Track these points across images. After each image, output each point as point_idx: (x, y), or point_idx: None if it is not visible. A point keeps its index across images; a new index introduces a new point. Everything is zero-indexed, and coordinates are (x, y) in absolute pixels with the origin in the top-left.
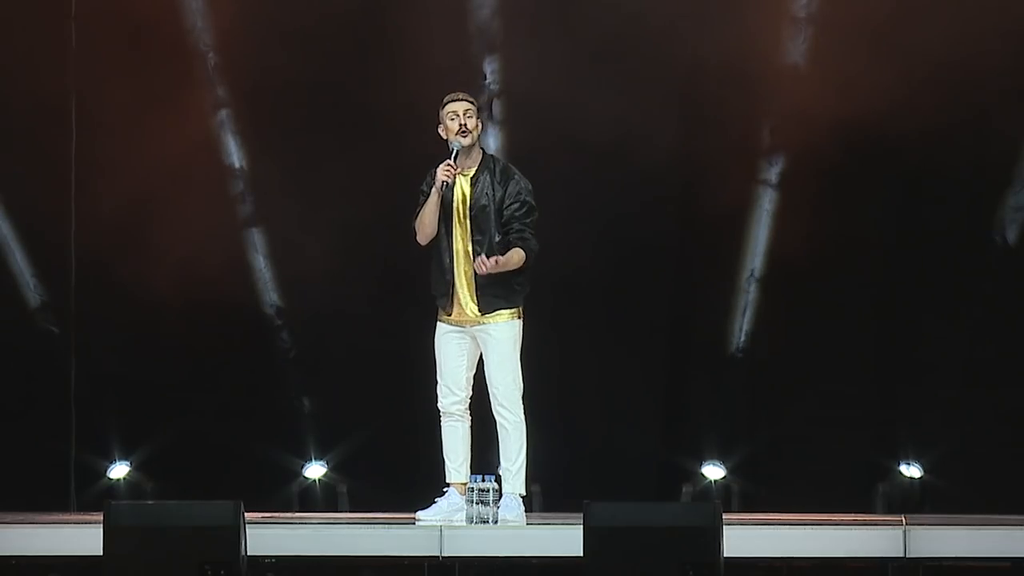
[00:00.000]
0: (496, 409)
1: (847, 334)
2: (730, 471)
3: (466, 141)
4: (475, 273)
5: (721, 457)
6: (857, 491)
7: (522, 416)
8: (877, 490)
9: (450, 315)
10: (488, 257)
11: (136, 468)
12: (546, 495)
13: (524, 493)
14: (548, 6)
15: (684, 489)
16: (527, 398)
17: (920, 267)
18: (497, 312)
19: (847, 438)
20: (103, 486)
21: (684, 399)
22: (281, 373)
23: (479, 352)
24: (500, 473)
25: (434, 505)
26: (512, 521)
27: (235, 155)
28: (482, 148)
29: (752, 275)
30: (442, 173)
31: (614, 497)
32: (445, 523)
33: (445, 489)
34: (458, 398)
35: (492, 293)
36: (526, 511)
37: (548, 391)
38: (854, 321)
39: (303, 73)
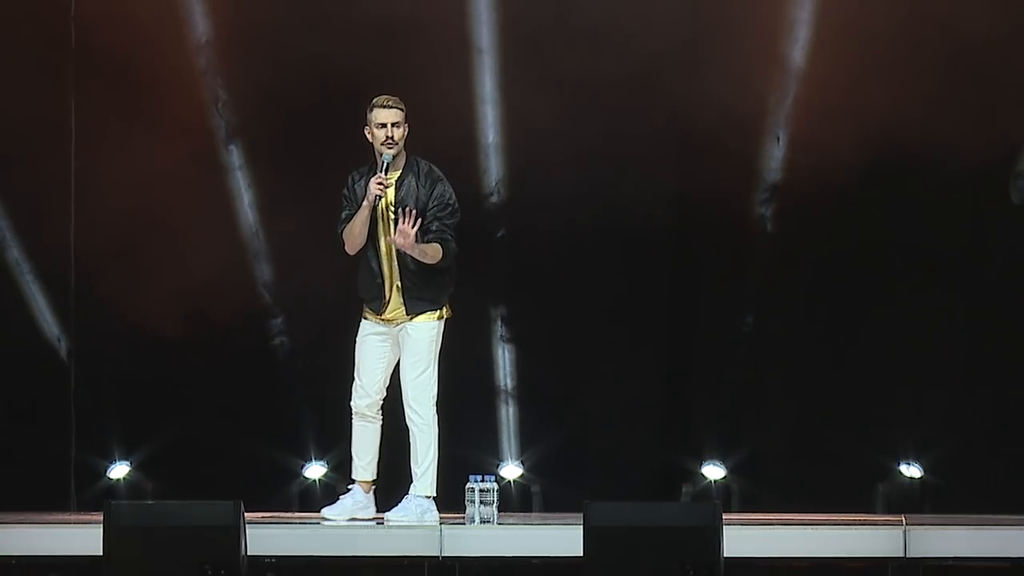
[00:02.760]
0: (406, 409)
1: (847, 335)
2: (730, 471)
3: (393, 151)
4: (402, 276)
5: (721, 457)
6: (857, 491)
7: (431, 418)
8: (877, 490)
9: (380, 316)
10: (408, 229)
11: (136, 468)
12: (546, 495)
13: (432, 494)
14: (552, 37)
15: (684, 489)
16: (530, 399)
17: (920, 268)
18: (422, 315)
19: (847, 438)
20: (103, 486)
21: (684, 399)
22: (281, 373)
23: (398, 356)
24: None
25: (339, 502)
26: (395, 522)
27: (235, 158)
28: (406, 151)
29: (753, 277)
30: (375, 188)
31: (614, 497)
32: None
33: (350, 486)
34: (372, 400)
35: (418, 296)
36: (527, 511)
37: (548, 391)
38: (854, 322)
39: (306, 78)
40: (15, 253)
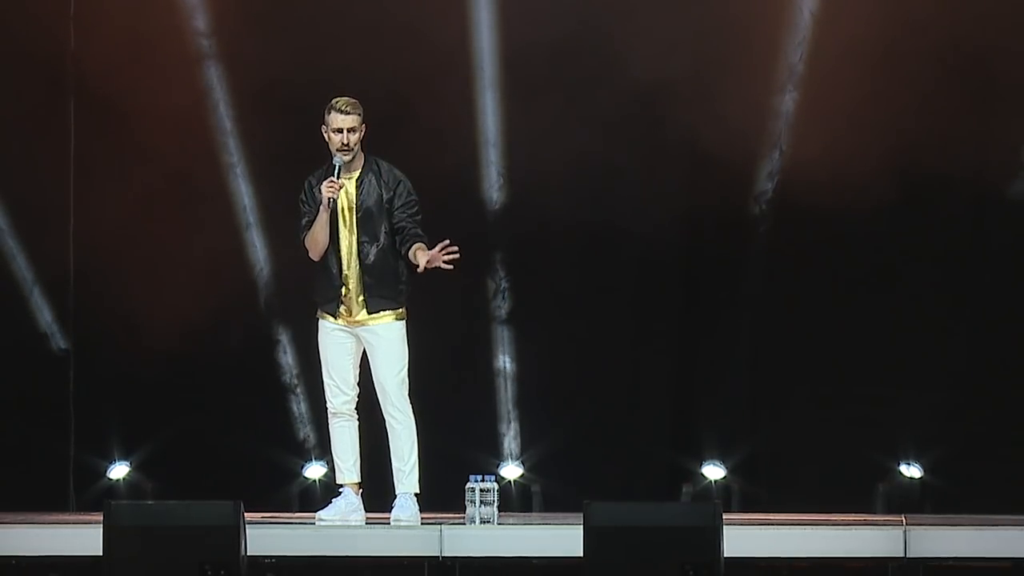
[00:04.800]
0: (387, 409)
1: (847, 334)
2: (730, 471)
3: (347, 158)
4: (363, 274)
5: (721, 457)
6: (857, 491)
7: (411, 415)
8: (877, 490)
9: (336, 319)
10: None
11: (136, 468)
12: (546, 495)
13: (418, 491)
14: (554, 56)
15: (684, 489)
16: (531, 398)
17: (920, 268)
18: (383, 312)
19: (847, 438)
20: (103, 486)
21: (684, 399)
22: (281, 373)
23: (363, 350)
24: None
25: (332, 504)
26: (406, 521)
27: (235, 154)
28: (364, 150)
29: (754, 279)
30: (327, 191)
31: (614, 497)
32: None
33: (341, 489)
34: (348, 397)
35: (380, 294)
36: (527, 511)
37: (549, 391)
38: (854, 322)
39: (307, 76)
40: (15, 253)
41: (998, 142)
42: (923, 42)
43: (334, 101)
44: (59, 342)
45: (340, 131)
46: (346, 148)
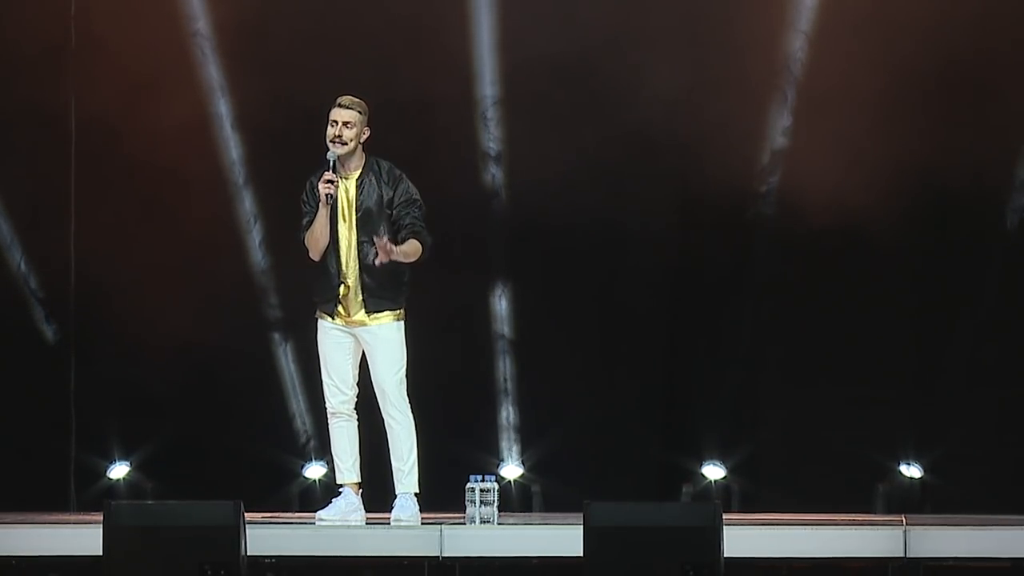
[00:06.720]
0: (386, 410)
1: (847, 335)
2: (730, 471)
3: (340, 151)
4: (362, 274)
5: (721, 457)
6: (857, 491)
7: (410, 415)
8: (877, 490)
9: (334, 319)
10: (387, 244)
11: (136, 468)
12: (546, 495)
13: (418, 491)
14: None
15: (684, 489)
16: (531, 398)
17: (920, 269)
18: (382, 313)
19: (847, 438)
20: (103, 486)
21: (684, 399)
22: (280, 373)
23: (362, 351)
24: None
25: (332, 504)
26: (406, 521)
27: (234, 150)
28: (365, 152)
29: (753, 278)
30: (323, 187)
31: (614, 497)
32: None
33: (340, 489)
34: (347, 397)
35: (379, 295)
36: (527, 511)
37: (549, 391)
38: (854, 322)
39: (308, 83)
40: (15, 253)
41: (998, 155)
42: (921, 60)
43: (339, 97)
44: (59, 342)
45: (335, 123)
46: (337, 140)
